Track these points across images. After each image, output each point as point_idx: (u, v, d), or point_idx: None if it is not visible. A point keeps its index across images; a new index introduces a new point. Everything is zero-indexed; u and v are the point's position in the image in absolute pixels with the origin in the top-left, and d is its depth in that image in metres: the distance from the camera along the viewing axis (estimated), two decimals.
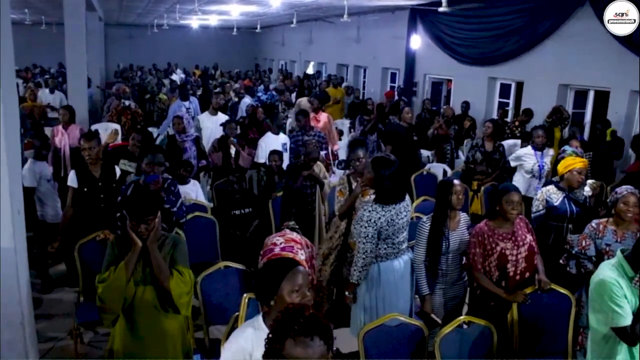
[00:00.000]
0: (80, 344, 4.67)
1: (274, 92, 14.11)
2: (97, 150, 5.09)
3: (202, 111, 9.71)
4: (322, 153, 7.19)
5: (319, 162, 6.50)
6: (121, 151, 6.49)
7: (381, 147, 8.97)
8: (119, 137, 8.84)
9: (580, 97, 9.98)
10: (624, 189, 4.13)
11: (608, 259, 3.98)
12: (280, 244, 3.98)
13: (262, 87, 14.78)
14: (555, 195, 4.95)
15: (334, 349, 1.99)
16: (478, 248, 4.00)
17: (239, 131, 8.45)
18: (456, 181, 4.22)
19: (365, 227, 4.01)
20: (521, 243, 3.96)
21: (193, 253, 4.55)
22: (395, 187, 4.07)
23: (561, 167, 5.06)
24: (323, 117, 9.23)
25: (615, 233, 4.07)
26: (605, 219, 4.20)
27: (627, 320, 2.87)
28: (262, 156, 7.39)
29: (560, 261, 4.32)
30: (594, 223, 4.18)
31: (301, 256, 3.94)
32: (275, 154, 6.47)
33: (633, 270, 2.94)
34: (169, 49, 25.37)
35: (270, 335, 1.93)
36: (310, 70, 20.36)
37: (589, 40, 9.10)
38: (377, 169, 4.10)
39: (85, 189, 5.03)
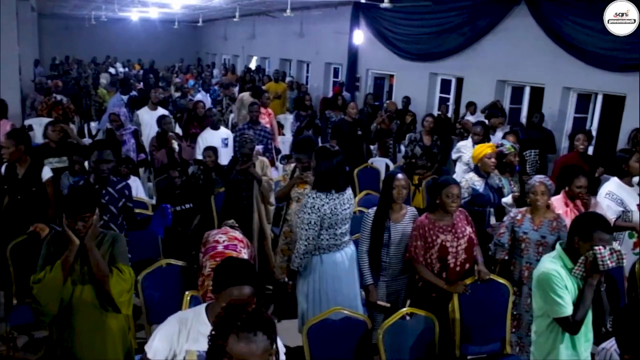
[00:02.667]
0: (14, 349, 4.48)
1: (216, 87, 13.94)
2: (11, 151, 4.85)
3: (140, 106, 9.46)
4: (260, 147, 7.09)
5: (262, 158, 6.44)
6: (43, 150, 6.07)
7: (318, 142, 9.03)
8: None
9: (517, 92, 10.30)
10: (534, 180, 4.36)
11: (525, 246, 4.21)
12: (224, 241, 3.94)
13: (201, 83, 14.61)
14: (478, 182, 5.21)
15: (278, 343, 1.99)
16: (419, 241, 4.06)
17: (177, 127, 8.33)
18: (400, 175, 4.27)
19: (309, 214, 4.05)
20: (461, 235, 4.05)
21: (134, 250, 4.48)
22: (335, 175, 4.12)
23: (474, 159, 5.39)
24: (268, 112, 9.20)
25: (532, 221, 4.28)
26: (524, 209, 4.41)
27: (568, 310, 2.97)
28: (199, 152, 7.30)
29: (488, 246, 4.52)
30: (512, 213, 4.40)
31: (244, 255, 3.92)
32: (209, 150, 6.37)
33: (571, 261, 3.05)
34: (109, 42, 24.60)
35: (213, 332, 1.91)
36: (253, 65, 20.22)
37: (525, 38, 9.41)
38: (318, 159, 4.15)
39: (5, 187, 4.84)
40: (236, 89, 14.13)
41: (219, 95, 12.70)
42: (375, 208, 4.30)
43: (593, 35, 8.21)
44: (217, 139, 7.37)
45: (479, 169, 5.32)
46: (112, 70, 19.00)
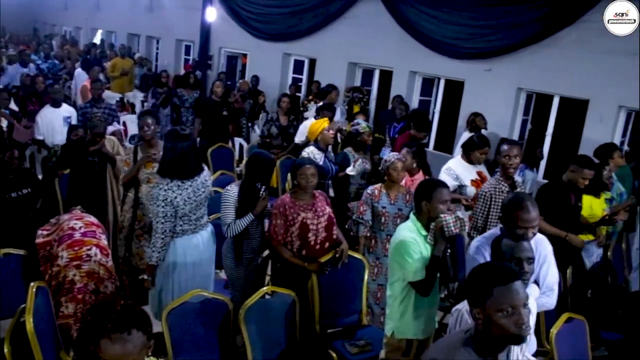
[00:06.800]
0: None
1: (55, 61, 12.95)
2: None
3: None
4: (111, 128, 6.72)
5: (111, 138, 6.11)
6: None
7: (175, 120, 8.82)
8: None
9: (368, 75, 10.72)
10: (392, 157, 4.67)
11: (384, 220, 4.49)
12: (80, 228, 3.67)
13: (42, 54, 13.45)
14: (318, 156, 5.46)
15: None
16: (279, 219, 4.09)
17: (12, 103, 7.61)
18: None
19: (163, 207, 3.91)
20: (321, 213, 4.15)
21: None
22: (179, 163, 3.97)
23: (312, 134, 5.71)
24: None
25: (388, 196, 4.59)
26: (379, 185, 4.69)
27: (422, 274, 3.23)
28: (39, 132, 6.80)
29: (346, 226, 4.75)
30: (369, 190, 4.65)
31: (104, 241, 3.70)
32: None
33: (424, 228, 3.31)
34: None
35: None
36: (97, 39, 18.99)
37: (375, 23, 9.81)
38: (167, 142, 4.02)
39: None
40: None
41: (60, 70, 11.82)
42: (238, 183, 4.26)
43: (437, 24, 8.79)
44: (59, 117, 6.88)
45: (319, 142, 5.60)
46: None
